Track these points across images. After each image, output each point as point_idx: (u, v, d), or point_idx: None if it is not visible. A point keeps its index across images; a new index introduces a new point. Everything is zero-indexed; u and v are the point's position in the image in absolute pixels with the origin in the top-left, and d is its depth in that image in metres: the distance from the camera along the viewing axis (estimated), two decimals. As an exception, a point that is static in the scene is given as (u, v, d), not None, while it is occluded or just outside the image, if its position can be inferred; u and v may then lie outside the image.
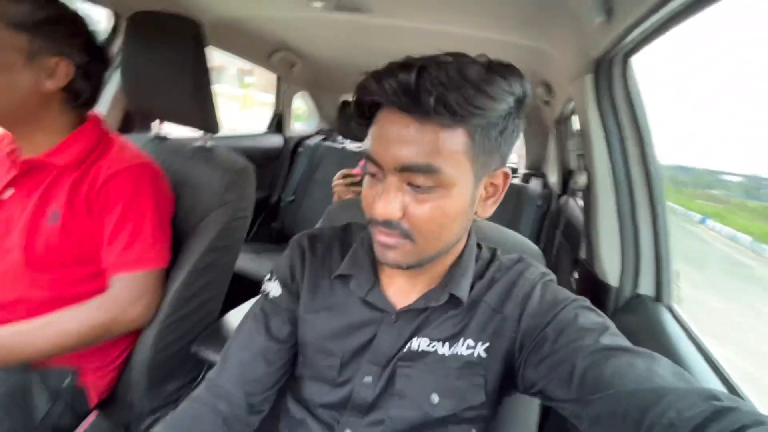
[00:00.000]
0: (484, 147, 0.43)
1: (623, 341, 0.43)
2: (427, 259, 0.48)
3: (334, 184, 1.28)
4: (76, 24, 0.69)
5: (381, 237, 0.46)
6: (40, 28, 0.63)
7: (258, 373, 0.56)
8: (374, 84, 0.41)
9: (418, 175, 0.42)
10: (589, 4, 0.63)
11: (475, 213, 0.48)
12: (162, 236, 0.77)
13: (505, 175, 0.48)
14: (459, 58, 0.42)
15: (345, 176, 1.24)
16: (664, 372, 0.37)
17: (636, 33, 0.61)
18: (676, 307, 0.73)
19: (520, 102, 0.44)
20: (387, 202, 0.43)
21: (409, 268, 0.47)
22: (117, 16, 1.11)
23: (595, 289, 0.83)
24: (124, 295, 0.72)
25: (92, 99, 0.75)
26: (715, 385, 0.54)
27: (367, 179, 0.47)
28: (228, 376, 0.55)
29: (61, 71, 0.66)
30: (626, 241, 0.78)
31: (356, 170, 1.23)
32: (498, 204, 0.50)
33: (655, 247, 0.75)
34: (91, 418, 0.75)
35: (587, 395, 0.39)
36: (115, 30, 1.13)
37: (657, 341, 0.64)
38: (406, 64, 0.40)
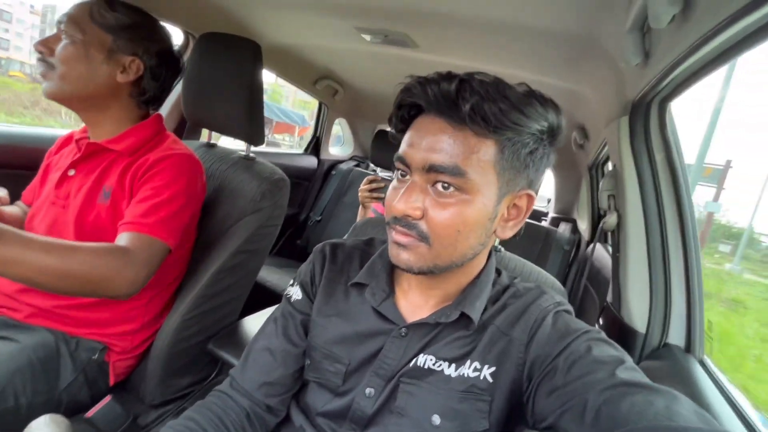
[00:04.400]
0: (512, 163, 0.45)
1: (641, 377, 0.40)
2: (440, 268, 0.47)
3: (359, 189, 1.33)
4: (153, 32, 0.80)
5: (398, 236, 0.47)
6: (124, 32, 0.75)
7: (276, 376, 0.56)
8: (418, 88, 0.45)
9: (445, 175, 0.43)
10: (627, 47, 0.65)
11: (494, 232, 0.49)
12: (180, 222, 0.76)
13: (529, 198, 0.48)
14: (500, 79, 0.44)
15: (371, 182, 1.30)
16: (685, 412, 0.35)
17: (673, 75, 0.62)
18: (708, 360, 0.69)
19: (552, 130, 0.46)
20: (408, 198, 0.45)
21: (420, 273, 0.47)
22: (187, 36, 1.24)
23: (620, 335, 0.79)
24: (130, 250, 0.67)
25: (157, 99, 0.84)
26: None
27: (392, 183, 0.50)
28: (249, 376, 0.57)
29: (133, 68, 0.77)
30: (656, 285, 0.74)
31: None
32: (518, 227, 0.50)
33: (686, 294, 0.72)
34: (106, 400, 0.77)
35: None
36: (185, 47, 1.25)
37: (687, 396, 0.60)
38: (450, 74, 0.44)
